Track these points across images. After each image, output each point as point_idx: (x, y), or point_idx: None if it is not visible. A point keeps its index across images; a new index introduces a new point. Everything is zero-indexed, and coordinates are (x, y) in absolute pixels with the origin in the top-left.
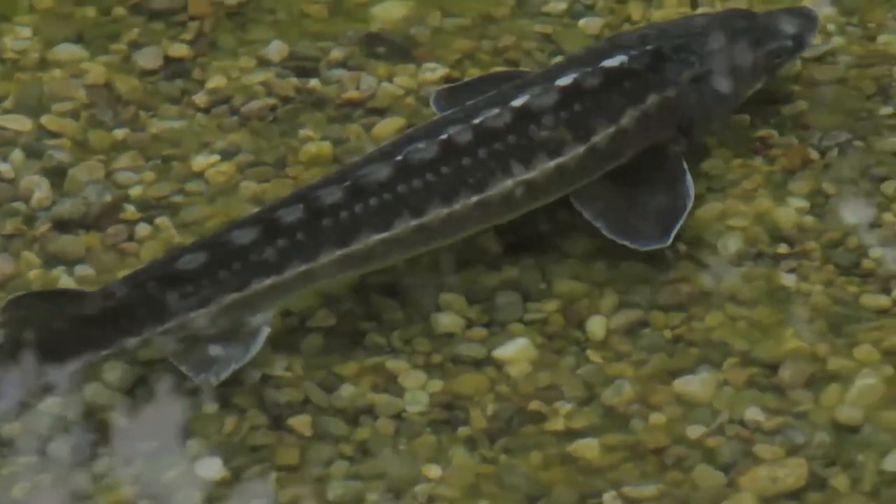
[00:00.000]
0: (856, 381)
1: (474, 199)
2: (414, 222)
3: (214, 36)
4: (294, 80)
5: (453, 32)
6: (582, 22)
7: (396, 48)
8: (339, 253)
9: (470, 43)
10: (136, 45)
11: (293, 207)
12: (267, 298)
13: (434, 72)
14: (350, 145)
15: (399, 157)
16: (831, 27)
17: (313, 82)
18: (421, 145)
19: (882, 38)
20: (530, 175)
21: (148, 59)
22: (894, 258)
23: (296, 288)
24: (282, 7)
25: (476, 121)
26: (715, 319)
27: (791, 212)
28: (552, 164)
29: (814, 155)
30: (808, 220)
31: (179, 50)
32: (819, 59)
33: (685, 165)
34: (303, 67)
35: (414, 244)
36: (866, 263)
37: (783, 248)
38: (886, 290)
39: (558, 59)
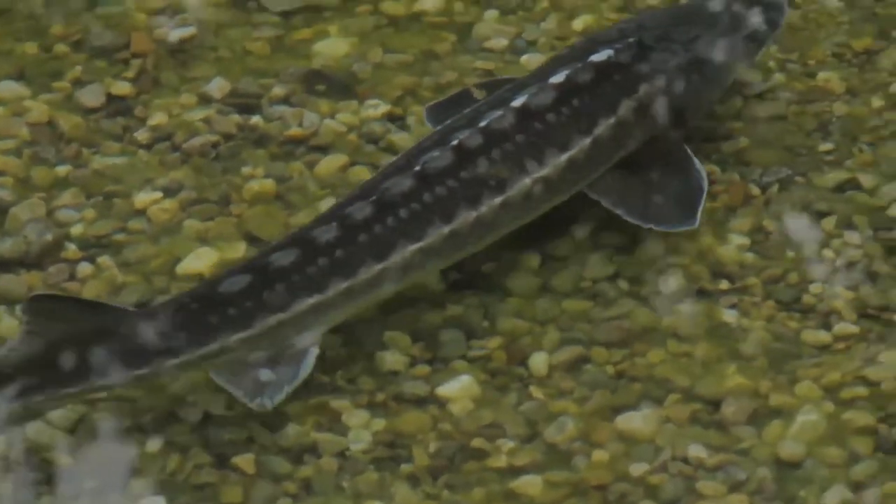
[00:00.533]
0: (797, 416)
1: (498, 200)
2: (446, 229)
3: (156, 73)
4: (236, 117)
5: (395, 69)
6: (524, 58)
7: (339, 85)
8: (377, 267)
9: (412, 79)
10: (78, 83)
11: (327, 227)
12: (311, 318)
13: (376, 108)
14: (293, 183)
15: (417, 168)
16: (772, 64)
17: (255, 119)
18: (435, 153)
19: (822, 75)
20: (544, 171)
21: (90, 96)
22: (834, 294)
23: (339, 305)
24: (224, 44)
25: (482, 124)
26: (657, 356)
27: (732, 248)
28: (563, 158)
29: (755, 191)
30: (749, 256)
31: (122, 87)
32: (760, 96)
33: (688, 149)
34: (245, 104)
35: (447, 252)
36: (807, 299)
37: (724, 285)
38: (827, 326)
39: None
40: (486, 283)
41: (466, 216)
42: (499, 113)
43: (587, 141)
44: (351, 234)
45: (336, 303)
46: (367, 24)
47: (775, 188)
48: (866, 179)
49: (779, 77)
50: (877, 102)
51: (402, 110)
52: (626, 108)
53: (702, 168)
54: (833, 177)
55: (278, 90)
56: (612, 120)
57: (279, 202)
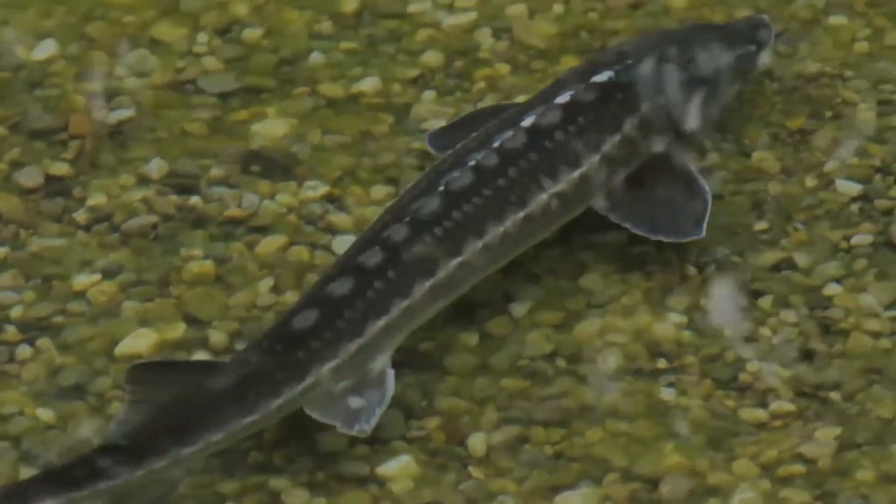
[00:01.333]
0: (735, 495)
1: (521, 214)
2: (479, 244)
3: (95, 154)
4: (175, 198)
5: (333, 150)
6: None
7: (277, 166)
8: (428, 284)
9: (350, 160)
10: (16, 164)
11: (371, 251)
12: (382, 341)
13: (315, 189)
14: (232, 263)
15: (441, 188)
16: (707, 144)
17: (194, 200)
18: (456, 174)
19: (756, 155)
20: (559, 187)
21: (28, 177)
22: (771, 372)
23: (402, 325)
24: (162, 125)
25: (495, 144)
26: (595, 435)
27: (669, 327)
28: (575, 174)
29: (691, 270)
30: (687, 335)
31: (60, 168)
32: None
33: (690, 164)
34: (183, 185)
35: (481, 267)
36: (743, 377)
37: (662, 363)
38: (763, 404)
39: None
40: (423, 361)
41: (496, 232)
42: (510, 133)
43: (596, 158)
44: (395, 255)
45: (400, 323)
46: (305, 106)
47: (712, 267)
48: (801, 259)
49: (714, 157)
50: (811, 182)
51: (341, 191)
52: (630, 126)
53: (704, 182)
54: (769, 256)
55: (217, 171)
56: (617, 137)
57: (219, 283)
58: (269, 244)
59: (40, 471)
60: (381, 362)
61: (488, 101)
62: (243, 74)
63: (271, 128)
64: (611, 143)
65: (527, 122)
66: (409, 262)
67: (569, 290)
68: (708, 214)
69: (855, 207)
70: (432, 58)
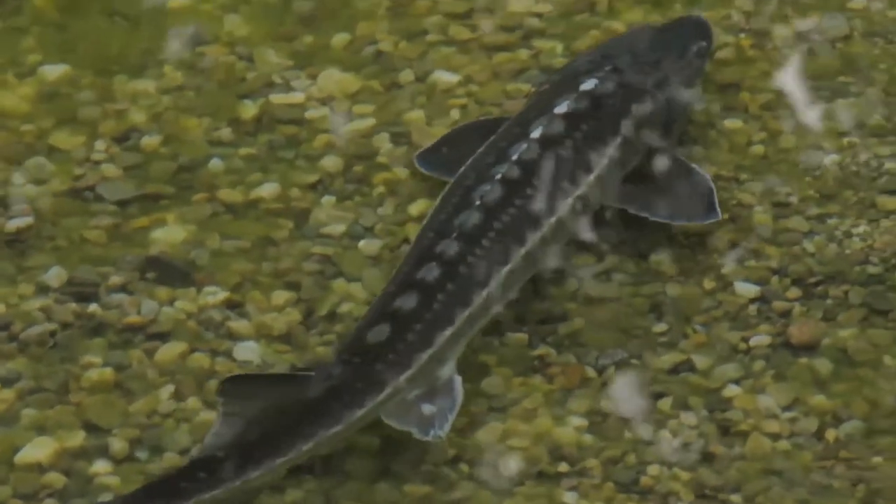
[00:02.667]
0: None
1: (553, 220)
2: (522, 251)
3: None
4: (74, 306)
5: (233, 255)
6: (361, 243)
7: (177, 272)
8: (483, 293)
9: (250, 266)
10: None
11: (428, 266)
12: (448, 350)
13: (215, 295)
14: (132, 370)
15: (478, 202)
16: (605, 246)
17: (93, 307)
18: (487, 187)
19: (654, 257)
20: (581, 190)
21: None
22: (672, 475)
23: (464, 333)
24: (61, 233)
25: (514, 157)
26: None
27: (570, 430)
28: (591, 177)
29: (591, 373)
30: (588, 437)
31: None
32: (594, 278)
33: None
34: (82, 293)
35: (524, 273)
36: (645, 480)
37: (563, 467)
38: None
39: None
40: (325, 466)
41: (534, 238)
42: (525, 146)
43: (605, 161)
44: (452, 269)
45: (463, 331)
46: (205, 212)
47: (611, 370)
48: (700, 360)
49: (612, 259)
50: (709, 284)
51: (241, 297)
52: (626, 127)
53: (701, 169)
54: (668, 358)
55: (116, 278)
56: (618, 139)
57: (118, 390)
58: (169, 351)
59: (141, 485)
60: (448, 370)
61: (387, 206)
62: (142, 181)
63: (171, 234)
64: (613, 146)
65: (536, 133)
66: (465, 275)
67: (471, 394)
68: (716, 197)
69: (753, 309)
70: (331, 163)
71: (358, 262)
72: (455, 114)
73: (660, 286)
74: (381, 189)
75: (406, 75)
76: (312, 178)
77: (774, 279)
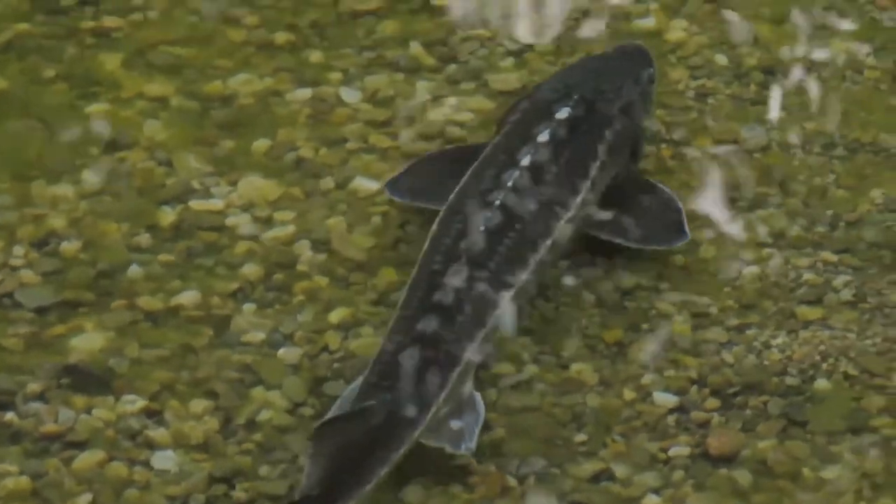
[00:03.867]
0: None
1: (549, 242)
2: (524, 275)
3: None
4: None
5: (152, 363)
6: (281, 351)
7: (95, 380)
8: (496, 312)
9: (169, 374)
10: None
11: (443, 291)
12: (469, 367)
13: (133, 404)
14: (49, 479)
15: (497, 203)
16: (525, 356)
17: (10, 416)
18: (488, 214)
19: (575, 367)
20: (570, 213)
21: None
22: None
23: (483, 351)
24: None
25: (508, 184)
26: None
27: None
28: (578, 199)
29: (512, 482)
30: None
31: None
32: (514, 387)
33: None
34: None
35: (529, 292)
36: None
37: None
38: None
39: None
40: None
41: (545, 244)
42: (515, 172)
43: (587, 183)
44: (467, 293)
45: (482, 349)
46: (124, 319)
47: (531, 479)
48: (620, 470)
49: (532, 368)
50: (629, 394)
51: (159, 405)
52: (602, 151)
53: (668, 189)
54: (588, 467)
55: (33, 386)
56: (597, 163)
57: (35, 498)
58: (87, 460)
59: None
60: (469, 387)
61: (307, 314)
62: (61, 288)
63: (89, 342)
64: (594, 168)
65: (525, 161)
66: (477, 297)
67: (391, 503)
68: (684, 218)
69: (672, 419)
70: (251, 270)
71: (277, 371)
72: (376, 221)
73: (580, 396)
74: (301, 297)
75: (327, 182)
76: (232, 285)
77: (693, 389)
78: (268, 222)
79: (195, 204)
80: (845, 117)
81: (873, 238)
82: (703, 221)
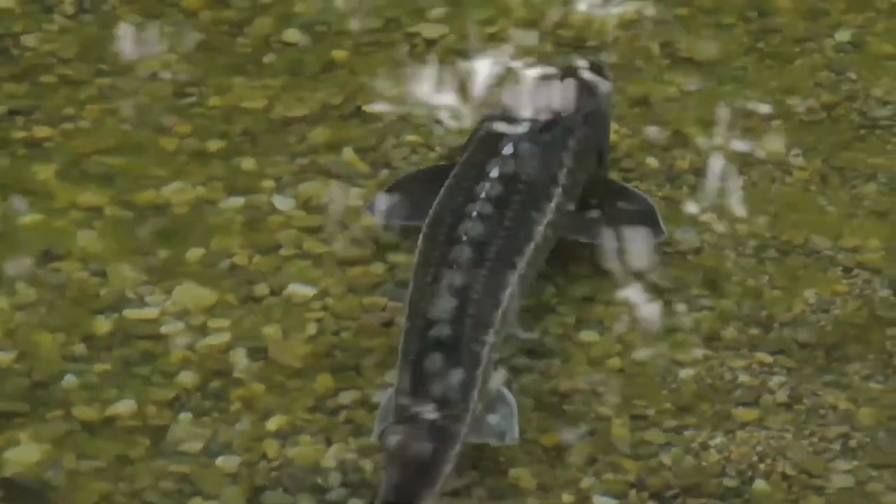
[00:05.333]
0: None
1: (532, 245)
2: (515, 276)
3: None
4: None
5: (89, 474)
6: (219, 460)
7: (31, 493)
8: (500, 312)
9: (106, 485)
10: None
11: (446, 299)
12: (489, 363)
13: None
14: None
15: (464, 238)
16: (465, 461)
17: None
18: (469, 224)
19: (513, 472)
20: (549, 217)
21: None
22: None
23: (496, 348)
24: None
25: (482, 195)
26: None
27: None
28: (553, 203)
29: None
30: None
31: None
32: (454, 494)
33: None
34: None
35: (524, 292)
36: None
37: None
38: None
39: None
40: None
41: (521, 262)
42: (487, 184)
43: (559, 190)
44: (464, 297)
45: (495, 346)
46: (60, 430)
47: None
48: None
49: (472, 474)
50: (568, 498)
51: None
52: (567, 158)
53: (640, 190)
54: None
55: None
56: (565, 170)
57: None
58: None
59: None
60: (497, 379)
61: (244, 423)
62: None
63: (25, 454)
64: (563, 175)
65: (494, 172)
66: (481, 300)
67: None
68: (659, 216)
69: None
70: (188, 379)
71: (215, 480)
72: (312, 328)
73: (519, 501)
74: (237, 405)
75: (261, 289)
76: (169, 394)
77: (633, 493)
78: (203, 330)
79: (130, 313)
80: (776, 218)
81: (807, 339)
82: (640, 324)
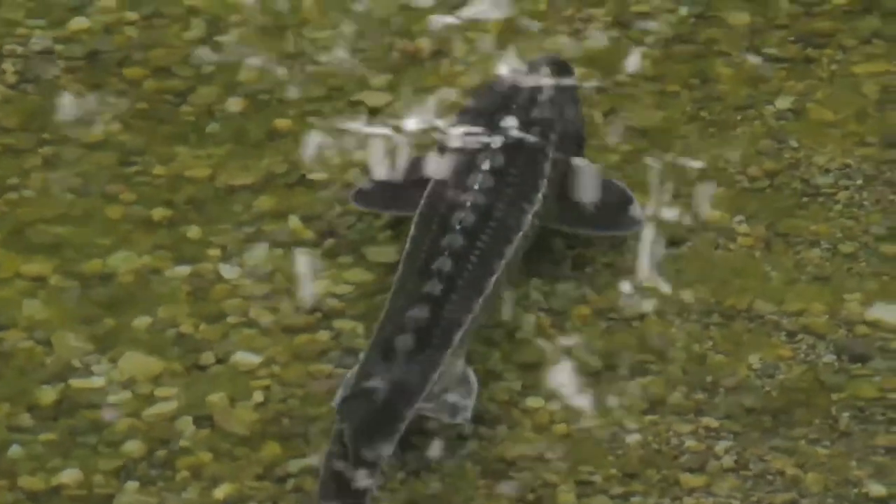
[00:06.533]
0: None
1: (520, 234)
2: (503, 262)
3: None
4: None
5: None
6: None
7: None
8: (481, 300)
9: None
10: None
11: (432, 282)
12: (460, 347)
13: None
14: None
15: (458, 227)
16: None
17: None
18: (462, 214)
19: None
20: (536, 207)
21: None
22: None
23: (472, 332)
24: None
25: (475, 187)
26: None
27: None
28: (539, 194)
29: None
30: None
31: None
32: None
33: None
34: None
35: (508, 278)
36: None
37: None
38: None
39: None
40: None
41: (510, 249)
42: (479, 176)
43: (545, 180)
44: (450, 284)
45: (470, 330)
46: (5, 501)
47: None
48: None
49: None
50: None
51: None
52: (551, 149)
53: (618, 181)
54: None
55: None
56: (549, 161)
57: None
58: None
59: None
60: (460, 365)
61: (192, 491)
62: None
63: None
64: (547, 165)
65: (486, 165)
66: (465, 287)
67: None
68: (637, 205)
69: None
70: (134, 447)
71: None
72: (258, 396)
73: None
74: (185, 473)
75: (207, 357)
76: (115, 463)
77: None
78: (150, 399)
79: (76, 382)
80: (721, 284)
81: (753, 403)
82: (585, 389)
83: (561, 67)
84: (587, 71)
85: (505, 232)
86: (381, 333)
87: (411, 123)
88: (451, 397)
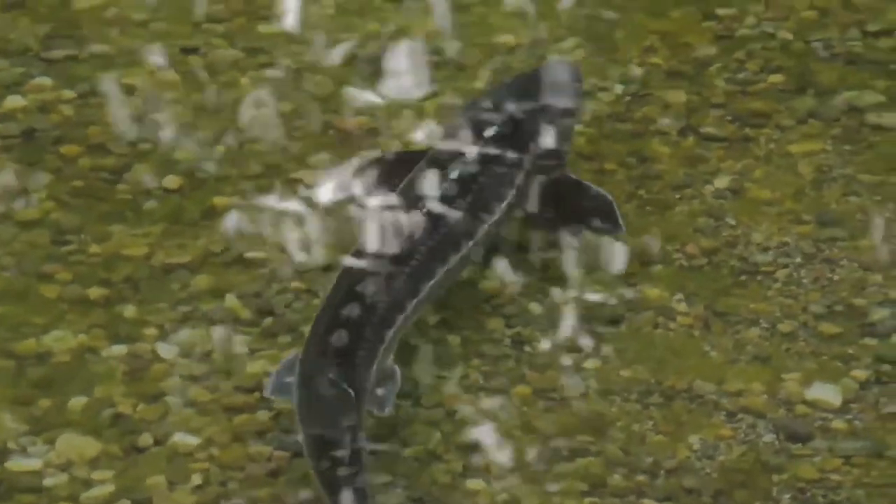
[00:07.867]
0: None
1: (470, 243)
2: (443, 269)
3: None
4: None
5: None
6: None
7: None
8: (414, 301)
9: None
10: None
11: (369, 280)
12: (391, 345)
13: None
14: None
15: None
16: None
17: None
18: (417, 219)
19: None
20: (513, 192)
21: None
22: None
23: (401, 331)
24: None
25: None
26: None
27: None
28: (503, 204)
29: None
30: None
31: None
32: None
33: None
34: None
35: (448, 284)
36: None
37: None
38: None
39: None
40: None
41: (454, 257)
42: (445, 185)
43: (521, 176)
44: (390, 282)
45: (401, 329)
46: None
47: None
48: None
49: None
50: None
51: None
52: (532, 152)
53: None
54: None
55: None
56: (528, 163)
57: None
58: None
59: None
60: (388, 362)
61: None
62: None
63: None
64: (527, 162)
65: (454, 174)
66: (398, 288)
67: None
68: (617, 211)
69: None
70: None
71: None
72: (197, 478)
73: None
74: None
75: (145, 439)
76: None
77: None
78: (87, 482)
79: (12, 465)
80: (660, 364)
81: (693, 484)
82: (524, 470)
83: (574, 74)
84: None
85: (455, 241)
86: (317, 325)
87: (325, 195)
88: (380, 391)
